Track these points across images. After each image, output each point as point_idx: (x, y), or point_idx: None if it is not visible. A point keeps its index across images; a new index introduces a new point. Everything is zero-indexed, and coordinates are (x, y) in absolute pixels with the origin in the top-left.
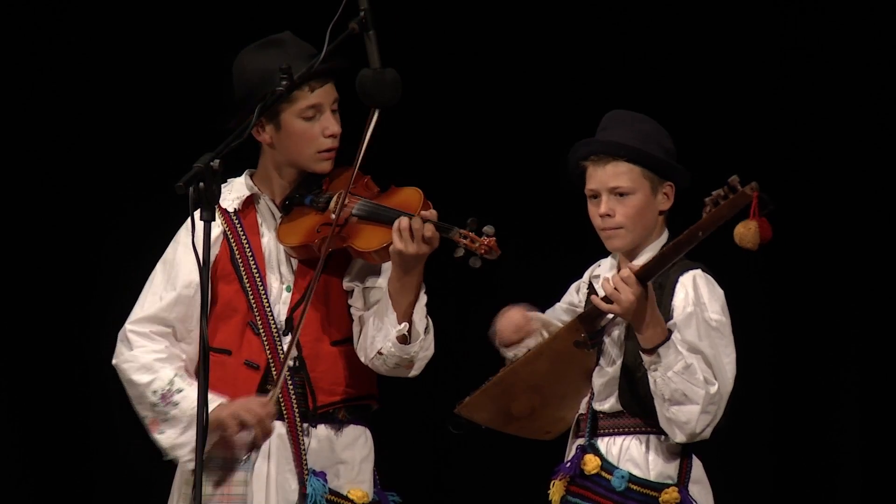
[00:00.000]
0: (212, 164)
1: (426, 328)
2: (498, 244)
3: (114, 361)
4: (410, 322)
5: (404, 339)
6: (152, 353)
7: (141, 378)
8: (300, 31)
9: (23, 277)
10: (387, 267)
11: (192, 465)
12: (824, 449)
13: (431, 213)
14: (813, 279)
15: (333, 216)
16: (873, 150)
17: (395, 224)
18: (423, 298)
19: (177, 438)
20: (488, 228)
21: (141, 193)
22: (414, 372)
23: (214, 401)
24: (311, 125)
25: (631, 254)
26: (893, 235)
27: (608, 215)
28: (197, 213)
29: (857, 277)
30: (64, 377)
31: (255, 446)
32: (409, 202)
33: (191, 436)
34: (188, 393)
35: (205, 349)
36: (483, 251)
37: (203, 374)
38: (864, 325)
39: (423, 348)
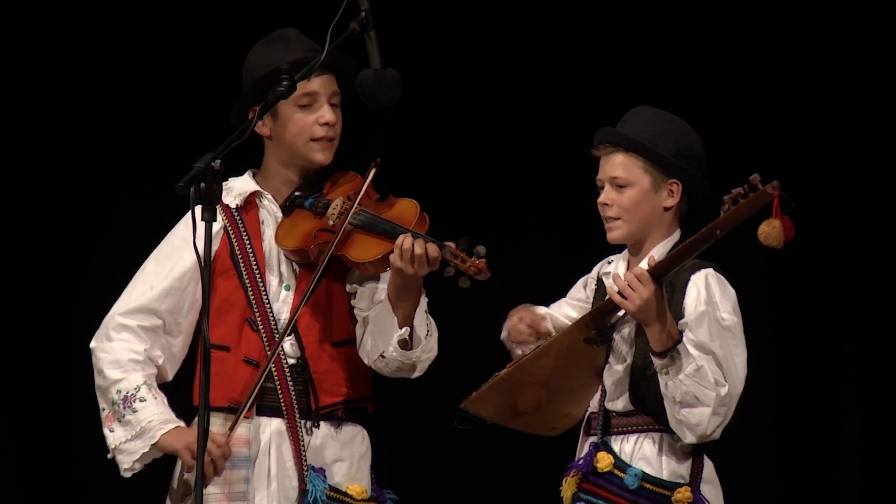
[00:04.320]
0: (213, 164)
1: (427, 332)
2: (488, 266)
3: (92, 344)
4: (412, 327)
5: (405, 345)
6: (130, 353)
7: (111, 373)
8: (301, 31)
9: (16, 274)
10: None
11: (128, 473)
12: (825, 449)
13: (422, 245)
14: (814, 279)
15: (331, 223)
16: (874, 153)
17: (399, 241)
18: (423, 302)
19: (123, 443)
20: (480, 249)
21: (135, 191)
22: (417, 374)
23: (173, 422)
24: (306, 114)
25: (635, 249)
26: (893, 237)
27: (606, 205)
28: (198, 214)
29: (859, 278)
30: (56, 373)
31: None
32: (405, 215)
33: (135, 447)
34: (149, 405)
35: (206, 349)
36: (472, 272)
37: (204, 374)
38: (865, 326)
39: (426, 351)
